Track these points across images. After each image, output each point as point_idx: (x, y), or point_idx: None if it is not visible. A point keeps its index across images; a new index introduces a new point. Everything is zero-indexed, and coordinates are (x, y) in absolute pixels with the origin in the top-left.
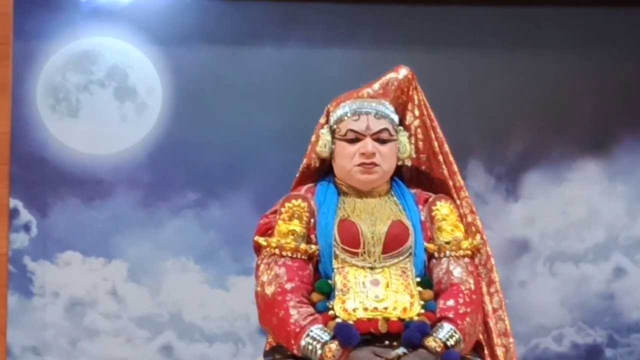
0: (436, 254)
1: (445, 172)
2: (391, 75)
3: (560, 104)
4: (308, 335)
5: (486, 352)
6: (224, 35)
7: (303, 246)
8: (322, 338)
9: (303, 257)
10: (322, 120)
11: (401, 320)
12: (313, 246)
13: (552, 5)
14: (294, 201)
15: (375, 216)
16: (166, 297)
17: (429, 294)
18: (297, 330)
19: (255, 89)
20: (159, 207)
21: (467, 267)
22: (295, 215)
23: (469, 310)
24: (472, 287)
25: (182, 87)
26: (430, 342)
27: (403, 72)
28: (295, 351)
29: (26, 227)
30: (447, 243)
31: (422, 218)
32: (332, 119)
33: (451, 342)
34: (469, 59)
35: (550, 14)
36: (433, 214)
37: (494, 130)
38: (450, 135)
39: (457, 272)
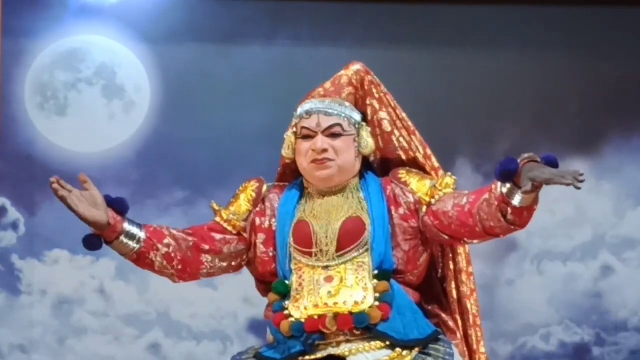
0: (433, 200)
1: (420, 155)
2: (341, 72)
3: (548, 103)
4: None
5: (459, 335)
6: (212, 34)
7: (225, 213)
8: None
9: (222, 223)
10: (292, 124)
11: (351, 314)
12: (238, 223)
13: (540, 4)
14: (251, 181)
15: (331, 215)
16: (154, 295)
17: (384, 285)
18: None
19: (243, 87)
20: (146, 205)
21: (462, 192)
22: (242, 191)
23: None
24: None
25: (170, 85)
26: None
27: (354, 67)
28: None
29: (14, 225)
30: (434, 186)
31: (392, 194)
32: (294, 121)
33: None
34: (457, 58)
35: (538, 12)
36: (402, 179)
37: (482, 128)
38: (437, 133)
39: (460, 197)
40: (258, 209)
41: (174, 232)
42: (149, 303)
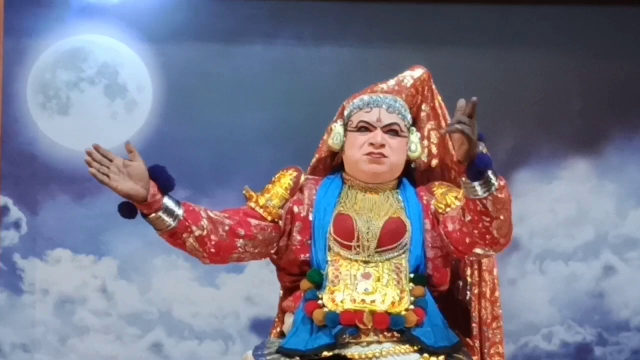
0: (448, 210)
1: (454, 173)
2: (407, 73)
3: (550, 103)
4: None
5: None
6: (214, 33)
7: (262, 200)
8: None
9: (259, 209)
10: (336, 116)
11: (388, 314)
12: (274, 210)
13: (542, 3)
14: (289, 170)
15: (373, 212)
16: (156, 294)
17: (420, 290)
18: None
19: (245, 87)
20: None
21: None
22: (281, 180)
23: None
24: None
25: (172, 85)
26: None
27: (419, 71)
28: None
29: (16, 225)
30: (456, 197)
31: (425, 202)
32: (346, 113)
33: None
34: (458, 57)
35: (541, 12)
36: (434, 189)
37: (484, 128)
38: None
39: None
40: (296, 197)
41: (211, 214)
42: (151, 302)
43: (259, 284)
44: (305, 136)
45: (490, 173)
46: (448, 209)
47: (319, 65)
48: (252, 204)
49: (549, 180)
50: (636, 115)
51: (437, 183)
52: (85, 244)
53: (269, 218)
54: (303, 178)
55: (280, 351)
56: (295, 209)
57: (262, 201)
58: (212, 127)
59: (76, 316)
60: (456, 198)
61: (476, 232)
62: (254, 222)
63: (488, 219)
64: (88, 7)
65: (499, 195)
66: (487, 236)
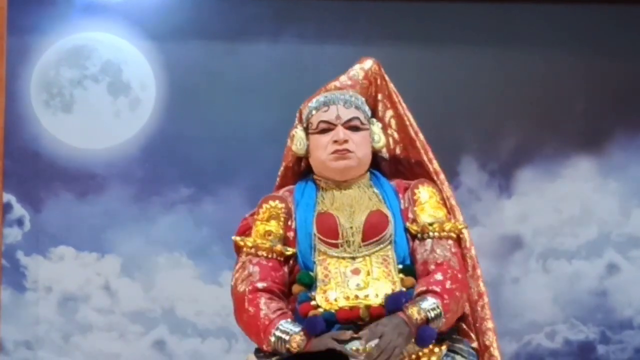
0: (419, 235)
1: (424, 157)
2: (357, 66)
3: (554, 101)
4: (278, 329)
5: (473, 336)
6: (218, 31)
7: (279, 247)
8: (291, 330)
9: (278, 258)
10: (296, 122)
11: (383, 306)
12: (290, 249)
13: (546, 2)
14: (271, 202)
15: (353, 207)
16: (159, 292)
17: (410, 280)
18: (267, 323)
19: (248, 85)
20: (152, 202)
21: (451, 248)
22: (273, 216)
23: (454, 287)
24: (457, 267)
25: (175, 83)
26: (413, 310)
27: (368, 63)
28: (265, 346)
29: (19, 222)
30: (430, 224)
31: (404, 205)
32: (304, 116)
33: (432, 315)
34: (462, 56)
35: (544, 11)
36: (415, 197)
37: (487, 126)
38: (443, 131)
39: (441, 251)
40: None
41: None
42: (154, 300)
43: None
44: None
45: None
46: (419, 234)
47: (323, 63)
48: (273, 255)
49: (553, 178)
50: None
51: (420, 186)
52: (89, 242)
53: (281, 258)
54: (289, 202)
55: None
56: (289, 235)
57: (279, 249)
58: (215, 125)
59: (79, 313)
60: (430, 224)
61: None
62: (280, 273)
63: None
64: (91, 5)
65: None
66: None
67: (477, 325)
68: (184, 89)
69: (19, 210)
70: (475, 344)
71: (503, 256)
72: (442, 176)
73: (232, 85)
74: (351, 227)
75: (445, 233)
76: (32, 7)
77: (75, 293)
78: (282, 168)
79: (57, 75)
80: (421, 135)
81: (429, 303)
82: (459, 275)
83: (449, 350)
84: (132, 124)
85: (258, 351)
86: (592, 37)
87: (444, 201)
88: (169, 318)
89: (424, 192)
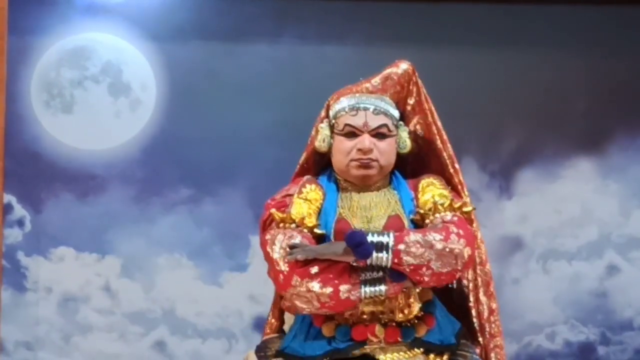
0: (426, 216)
1: (450, 169)
2: (391, 69)
3: (554, 102)
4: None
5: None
6: (218, 32)
7: (317, 230)
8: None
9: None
10: (322, 113)
11: (399, 326)
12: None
13: (546, 3)
14: (313, 185)
15: (371, 212)
16: (159, 293)
17: (428, 294)
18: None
19: (249, 86)
20: (152, 203)
21: (458, 221)
22: (312, 198)
23: (436, 237)
24: (459, 231)
25: (176, 84)
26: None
27: (403, 66)
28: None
29: (20, 223)
30: (442, 204)
31: (415, 204)
32: (331, 113)
33: (374, 238)
34: (463, 57)
35: (544, 12)
36: (419, 185)
37: (488, 127)
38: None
39: (449, 217)
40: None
41: None
42: (154, 301)
43: (262, 283)
44: (309, 135)
45: (367, 243)
46: (425, 215)
47: (323, 64)
48: (306, 231)
49: (553, 179)
50: None
51: (425, 177)
52: (89, 242)
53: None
54: (321, 192)
55: (280, 355)
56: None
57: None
58: (215, 125)
59: (79, 314)
60: (434, 204)
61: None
62: None
63: (421, 271)
64: (92, 5)
65: (401, 252)
66: (442, 277)
67: (486, 343)
68: (184, 90)
69: (19, 210)
70: (478, 350)
71: (503, 257)
72: (466, 193)
73: (232, 85)
74: None
75: (449, 212)
76: (32, 8)
77: (76, 294)
78: (303, 157)
79: (57, 75)
80: (450, 148)
81: (384, 234)
82: (461, 232)
83: (451, 358)
84: (133, 125)
85: (258, 350)
86: (593, 38)
87: (448, 191)
88: (169, 319)
89: (427, 180)
